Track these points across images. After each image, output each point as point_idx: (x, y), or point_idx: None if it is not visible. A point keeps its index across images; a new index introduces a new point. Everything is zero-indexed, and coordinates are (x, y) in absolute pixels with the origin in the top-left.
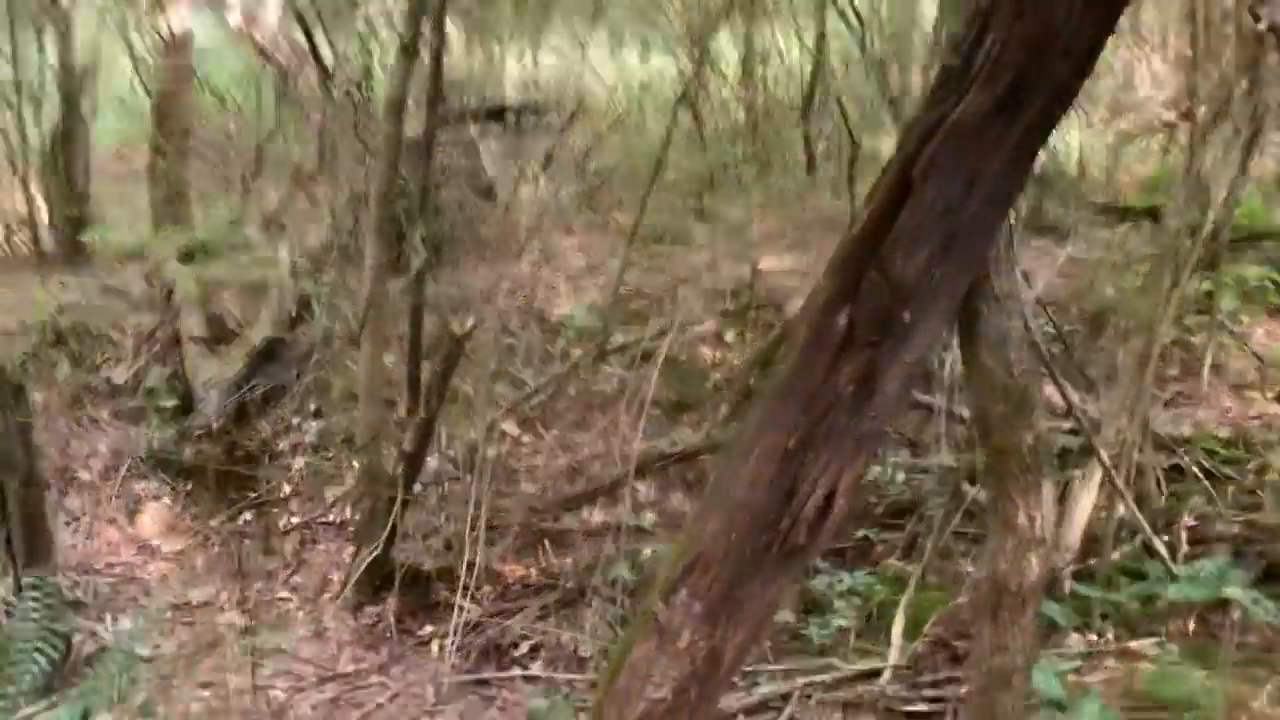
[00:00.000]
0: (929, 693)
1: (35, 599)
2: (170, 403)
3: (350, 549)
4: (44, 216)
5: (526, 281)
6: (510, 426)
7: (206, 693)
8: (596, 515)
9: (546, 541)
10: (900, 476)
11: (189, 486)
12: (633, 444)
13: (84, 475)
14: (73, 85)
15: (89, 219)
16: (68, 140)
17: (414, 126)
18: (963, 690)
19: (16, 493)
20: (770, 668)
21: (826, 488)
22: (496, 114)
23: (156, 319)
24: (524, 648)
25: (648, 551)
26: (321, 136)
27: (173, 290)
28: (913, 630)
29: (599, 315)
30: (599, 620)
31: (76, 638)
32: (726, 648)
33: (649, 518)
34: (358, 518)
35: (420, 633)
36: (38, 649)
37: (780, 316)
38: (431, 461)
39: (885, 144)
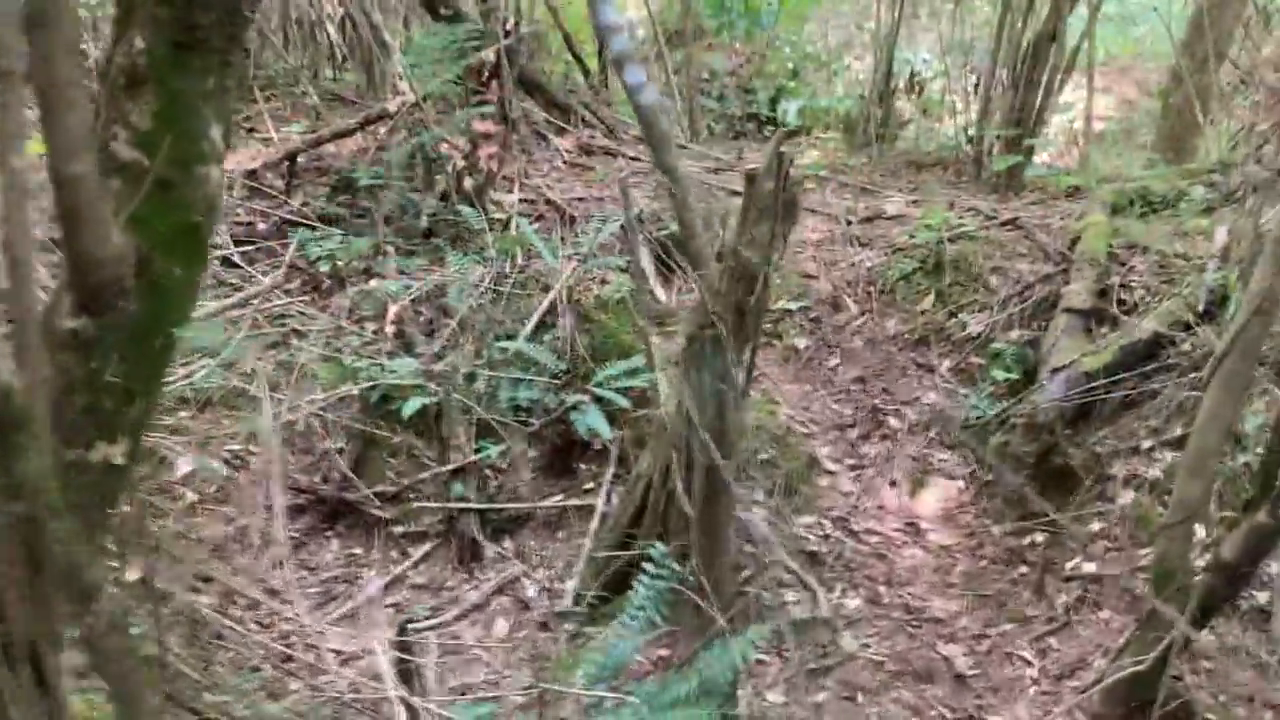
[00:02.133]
0: None
1: (655, 573)
2: (1011, 375)
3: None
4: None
5: None
6: None
7: None
8: None
9: None
10: None
11: (990, 476)
12: None
13: (893, 422)
14: None
15: (1027, 144)
16: (1038, 50)
17: None
18: None
19: (700, 453)
20: None
21: None
22: None
23: (1044, 272)
24: None
25: None
26: None
27: (1076, 243)
28: None
29: None
30: None
31: (792, 597)
32: None
33: None
34: (1148, 607)
35: None
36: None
37: None
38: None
39: None
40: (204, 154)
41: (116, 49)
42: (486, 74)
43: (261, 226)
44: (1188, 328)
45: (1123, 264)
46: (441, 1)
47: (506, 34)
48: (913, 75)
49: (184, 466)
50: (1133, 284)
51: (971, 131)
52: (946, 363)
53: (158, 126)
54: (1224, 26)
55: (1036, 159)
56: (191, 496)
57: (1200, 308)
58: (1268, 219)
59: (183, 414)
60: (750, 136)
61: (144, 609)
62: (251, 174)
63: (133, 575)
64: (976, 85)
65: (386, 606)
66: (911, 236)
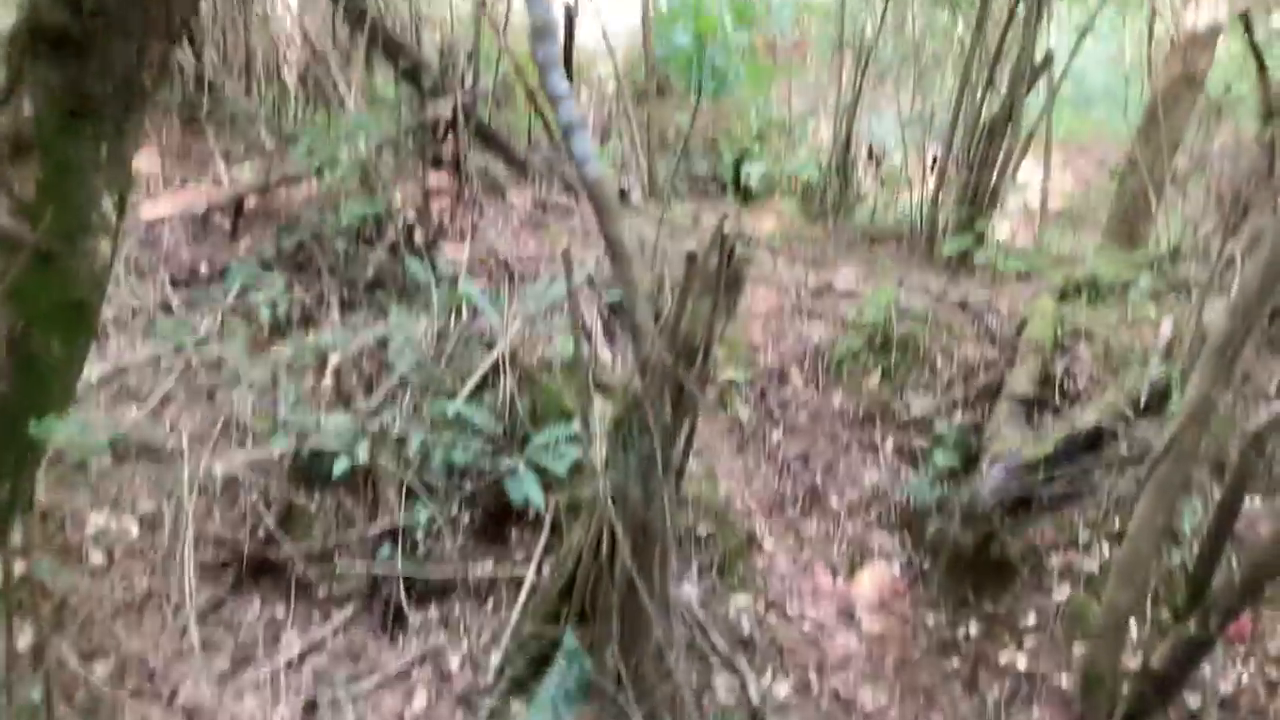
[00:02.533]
0: None
1: (566, 666)
2: (953, 461)
3: None
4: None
5: None
6: None
7: None
8: None
9: None
10: None
11: (927, 563)
12: None
13: (834, 502)
14: (1023, 65)
15: (979, 224)
16: (994, 131)
17: None
18: None
19: (629, 536)
20: None
21: None
22: None
23: (989, 357)
24: None
25: None
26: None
27: (1023, 328)
28: None
29: None
30: None
31: (722, 681)
32: None
33: None
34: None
35: None
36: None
37: None
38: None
39: None
40: (92, 226)
41: (2, 113)
42: (443, 128)
43: (204, 270)
44: (1130, 421)
45: (1068, 351)
46: (403, 54)
47: (465, 90)
48: (872, 147)
49: (93, 524)
50: (1077, 373)
51: (926, 208)
52: (890, 442)
53: (42, 196)
54: (1178, 116)
55: (996, 232)
56: (98, 557)
57: (1142, 402)
58: (1210, 317)
59: (102, 463)
60: (713, 196)
61: (36, 678)
62: (198, 215)
63: (24, 643)
64: (934, 162)
65: (303, 671)
66: (860, 313)
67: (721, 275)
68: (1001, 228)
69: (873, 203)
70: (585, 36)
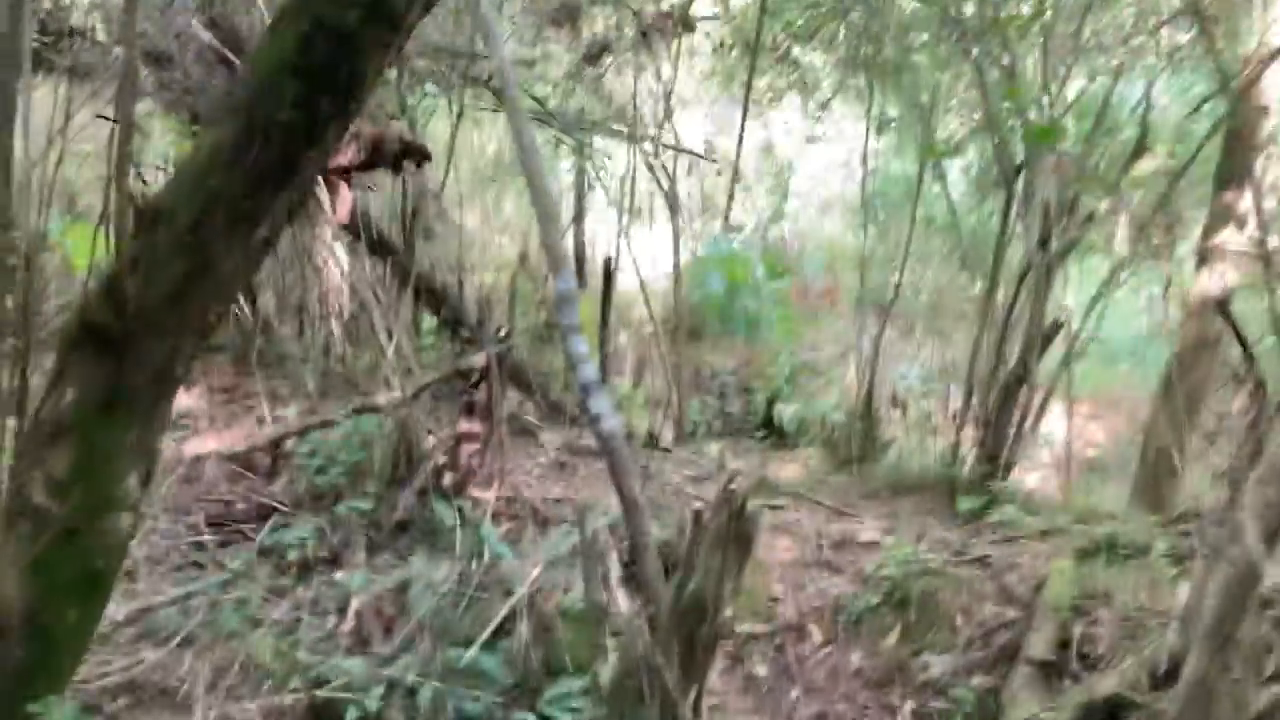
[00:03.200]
0: None
1: None
2: None
3: None
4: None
5: None
6: None
7: None
8: None
9: None
10: None
11: None
12: None
13: None
14: (1034, 330)
15: (995, 483)
16: (1009, 391)
17: None
18: None
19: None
20: None
21: None
22: None
23: (1008, 617)
24: None
25: None
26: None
27: (1041, 588)
28: None
29: None
30: None
31: None
32: None
33: None
34: None
35: None
36: None
37: None
38: None
39: None
40: (116, 501)
41: (47, 400)
42: (478, 375)
43: (240, 507)
44: (1146, 691)
45: (1087, 614)
46: (444, 304)
47: (499, 340)
48: (896, 395)
49: None
50: (1096, 636)
51: (946, 462)
52: (909, 704)
53: (73, 476)
54: (1197, 378)
55: (1025, 482)
56: None
57: (1161, 671)
58: (1212, 592)
59: (117, 703)
60: (747, 436)
61: None
62: (237, 455)
63: None
64: (954, 415)
65: None
66: (880, 567)
67: (730, 533)
68: (1029, 479)
69: (898, 450)
70: (626, 280)
